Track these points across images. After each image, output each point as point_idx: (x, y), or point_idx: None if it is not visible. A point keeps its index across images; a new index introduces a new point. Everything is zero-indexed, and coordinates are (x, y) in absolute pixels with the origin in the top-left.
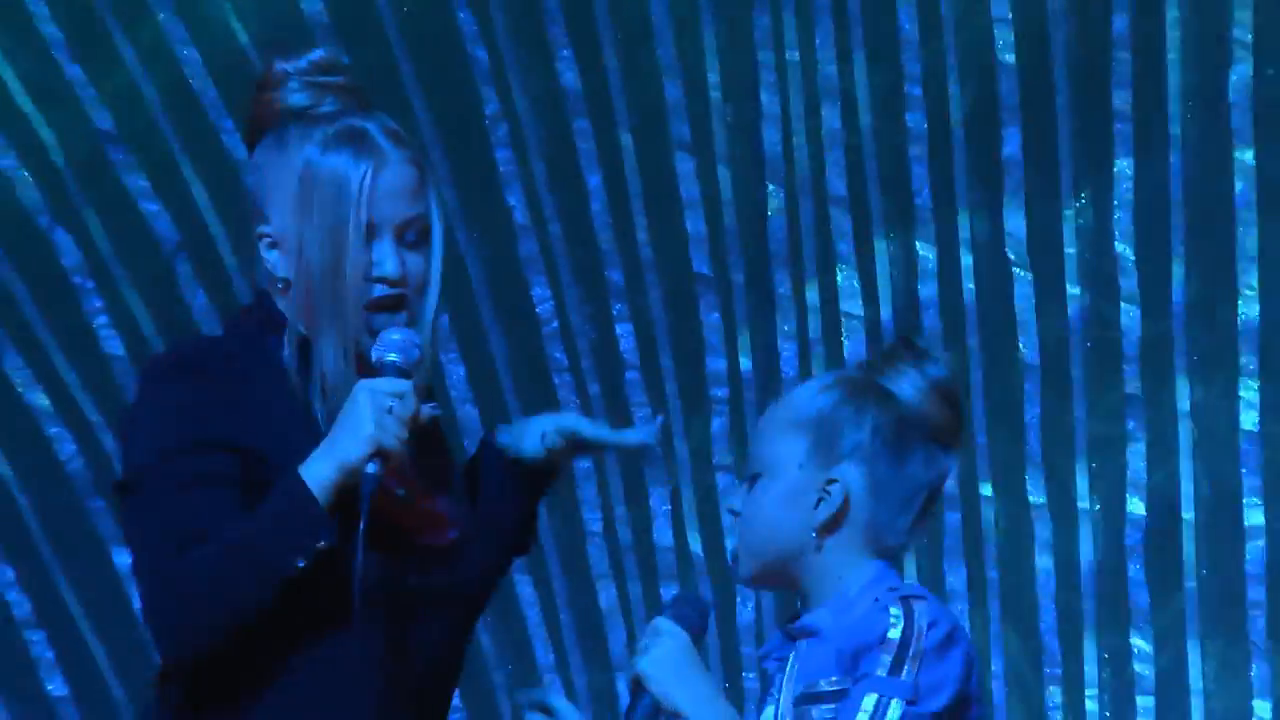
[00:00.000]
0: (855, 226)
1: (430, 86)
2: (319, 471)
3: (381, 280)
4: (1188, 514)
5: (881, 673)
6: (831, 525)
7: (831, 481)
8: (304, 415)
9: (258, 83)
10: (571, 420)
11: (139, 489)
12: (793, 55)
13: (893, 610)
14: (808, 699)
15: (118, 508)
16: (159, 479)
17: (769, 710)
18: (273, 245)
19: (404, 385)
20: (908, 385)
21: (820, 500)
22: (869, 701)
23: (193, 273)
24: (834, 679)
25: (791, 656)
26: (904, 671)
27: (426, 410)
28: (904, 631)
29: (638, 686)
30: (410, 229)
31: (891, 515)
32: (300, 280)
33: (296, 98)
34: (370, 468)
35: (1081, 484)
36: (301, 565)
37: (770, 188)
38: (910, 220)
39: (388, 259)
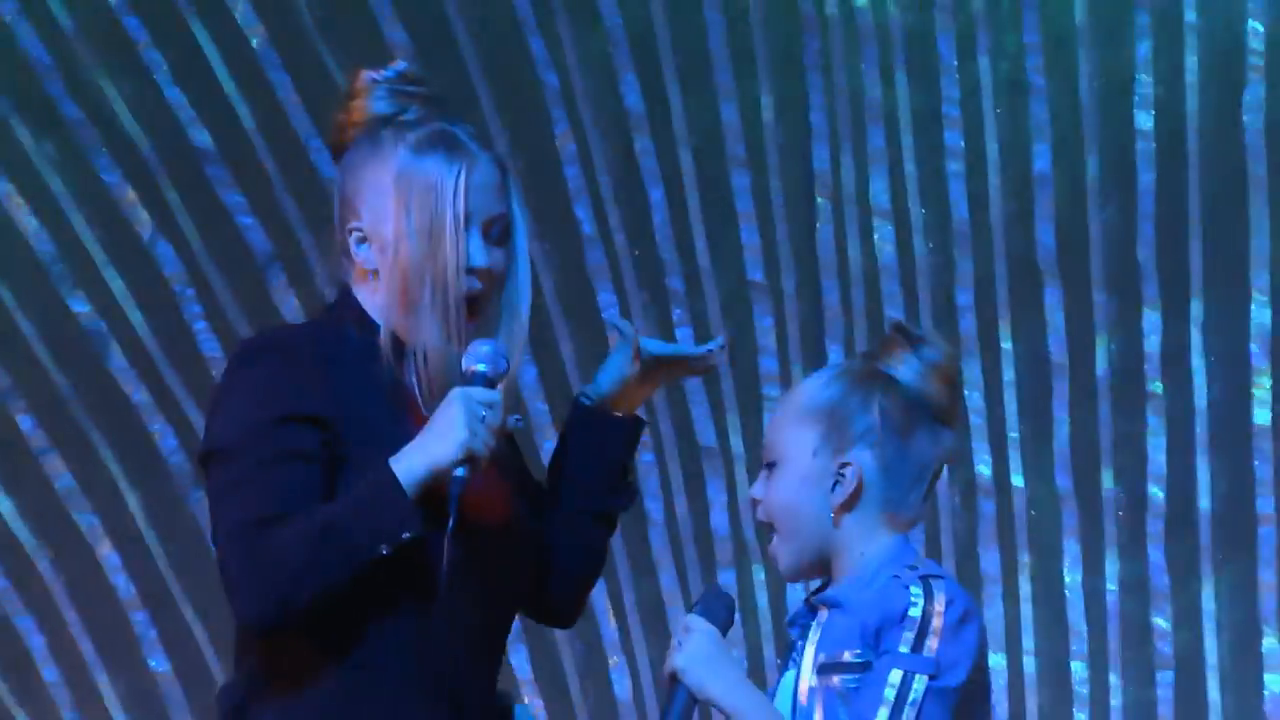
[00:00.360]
0: (897, 237)
1: (505, 108)
2: (411, 468)
3: (472, 272)
4: (1204, 503)
5: (905, 649)
6: (848, 505)
7: (845, 465)
8: (385, 398)
9: (346, 91)
10: (641, 343)
11: (226, 461)
12: (840, 79)
13: (913, 589)
14: (831, 668)
15: (203, 478)
16: (246, 453)
17: (789, 675)
18: (363, 240)
19: (496, 396)
20: (907, 370)
21: (836, 483)
22: (895, 676)
23: (284, 282)
24: (857, 651)
25: (814, 625)
26: (925, 648)
27: (511, 421)
28: (924, 610)
29: (673, 680)
30: (495, 225)
31: (903, 492)
32: (396, 272)
33: (382, 105)
34: (459, 471)
35: (1106, 475)
36: (386, 552)
37: (819, 201)
38: (948, 232)
39: (477, 252)
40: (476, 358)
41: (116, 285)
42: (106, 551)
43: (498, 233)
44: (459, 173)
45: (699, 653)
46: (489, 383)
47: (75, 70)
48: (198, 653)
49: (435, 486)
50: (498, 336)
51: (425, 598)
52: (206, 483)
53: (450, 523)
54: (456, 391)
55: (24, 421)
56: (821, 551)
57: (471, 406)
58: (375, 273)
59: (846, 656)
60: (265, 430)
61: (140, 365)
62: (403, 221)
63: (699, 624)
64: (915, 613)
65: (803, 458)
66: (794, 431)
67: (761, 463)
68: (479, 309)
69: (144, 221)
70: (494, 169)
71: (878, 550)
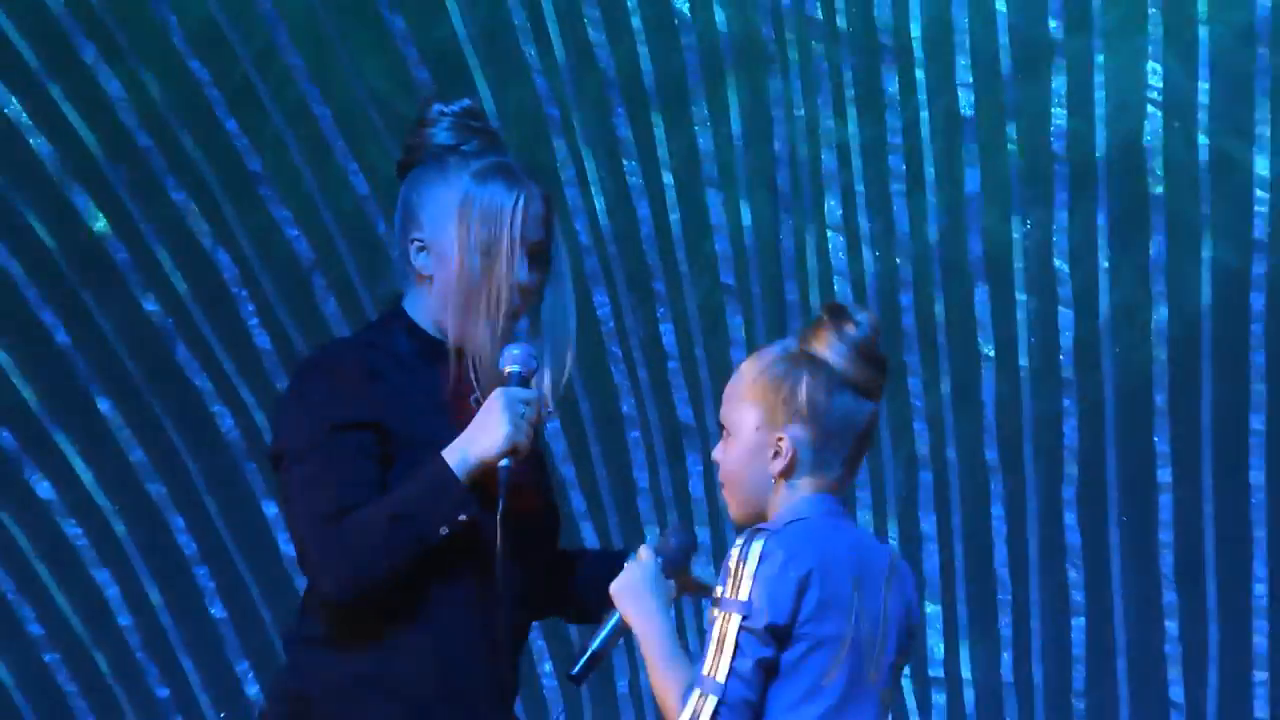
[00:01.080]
0: (848, 246)
1: (512, 137)
2: (463, 459)
3: (519, 288)
4: (1111, 475)
5: (723, 592)
6: (785, 472)
7: (780, 439)
8: (428, 400)
9: (418, 119)
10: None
11: (297, 461)
12: (799, 111)
13: (738, 542)
14: (712, 605)
15: (275, 477)
16: (314, 453)
17: None
18: (422, 249)
19: (534, 394)
20: (832, 353)
21: (775, 454)
22: (716, 615)
23: (325, 285)
24: (719, 588)
25: None
26: (739, 592)
27: (545, 415)
28: (735, 560)
29: (610, 604)
30: (539, 249)
31: (830, 456)
32: (453, 280)
33: (447, 135)
34: (504, 462)
35: (1027, 450)
36: (445, 533)
37: (781, 216)
38: (892, 242)
39: (523, 271)
40: (510, 360)
41: (181, 288)
42: (173, 515)
43: (539, 255)
44: (517, 201)
45: (630, 580)
46: (523, 381)
47: (148, 106)
48: (251, 602)
49: (483, 474)
50: (526, 341)
51: (477, 569)
52: (279, 480)
53: (500, 505)
54: (499, 391)
55: (103, 404)
56: (760, 506)
57: (514, 404)
58: (430, 279)
59: (717, 592)
60: (329, 433)
61: (201, 356)
62: (465, 238)
63: (645, 554)
64: (731, 563)
65: (746, 432)
66: (738, 409)
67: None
68: (515, 321)
69: (205, 233)
70: (541, 202)
71: (799, 500)
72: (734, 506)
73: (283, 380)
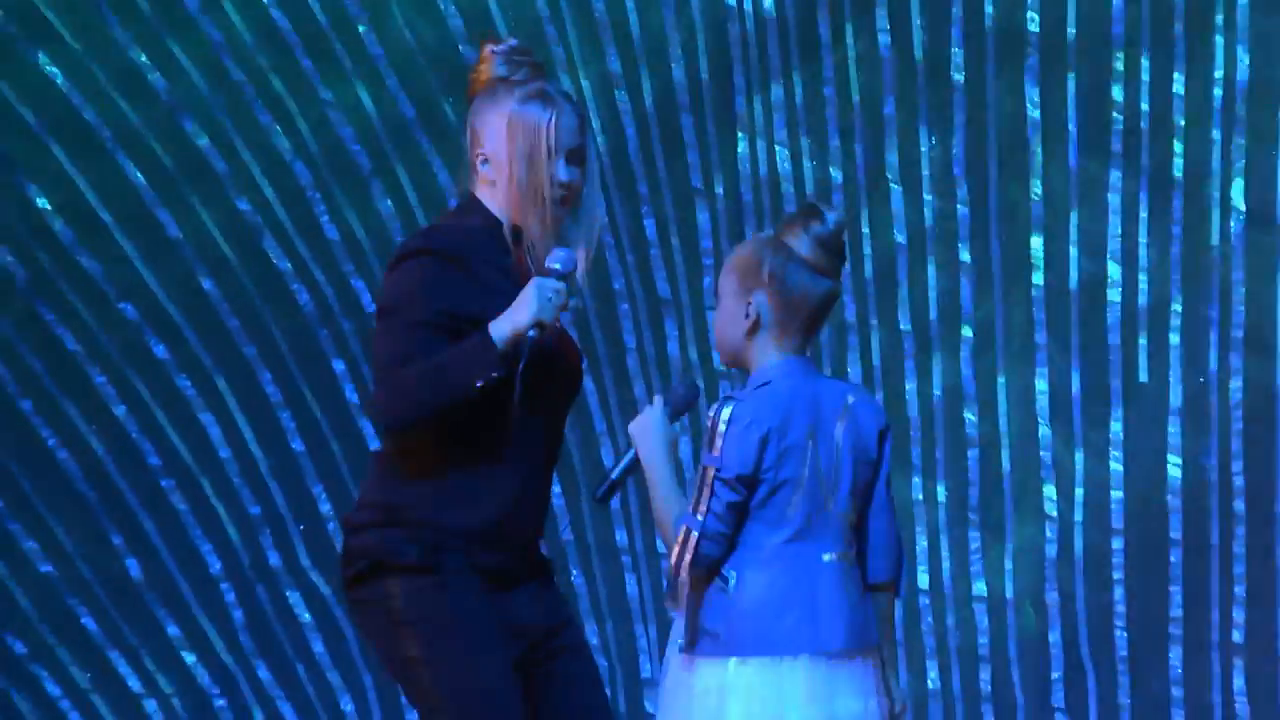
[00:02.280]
0: (791, 158)
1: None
2: (500, 329)
3: (559, 184)
4: (1004, 427)
5: (707, 446)
6: (751, 330)
7: (749, 303)
8: (499, 275)
9: (476, 58)
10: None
11: (388, 318)
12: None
13: (714, 407)
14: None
15: (377, 323)
16: (399, 315)
17: None
18: (485, 160)
19: (563, 286)
20: (798, 241)
21: (745, 315)
22: (702, 468)
23: (381, 190)
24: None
25: None
26: (715, 448)
27: (573, 301)
28: (712, 421)
29: (629, 443)
30: (575, 153)
31: (789, 321)
32: (510, 183)
33: (501, 68)
34: (531, 333)
35: (910, 385)
36: (480, 386)
37: (740, 135)
38: (826, 155)
39: (561, 170)
40: (554, 259)
41: (268, 192)
42: (261, 370)
43: (578, 158)
44: (551, 117)
45: (644, 422)
46: (561, 277)
47: (243, 50)
48: (324, 438)
49: (516, 344)
50: (572, 246)
51: (498, 413)
52: (377, 327)
53: (521, 364)
54: (535, 279)
55: (206, 283)
56: (739, 357)
57: (544, 290)
58: (493, 183)
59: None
60: (414, 305)
61: (284, 244)
62: (513, 150)
63: (657, 403)
64: (710, 424)
65: (727, 298)
66: (725, 279)
67: (705, 308)
68: (568, 210)
69: (286, 149)
70: (574, 115)
71: (774, 365)
72: (722, 356)
73: (348, 263)
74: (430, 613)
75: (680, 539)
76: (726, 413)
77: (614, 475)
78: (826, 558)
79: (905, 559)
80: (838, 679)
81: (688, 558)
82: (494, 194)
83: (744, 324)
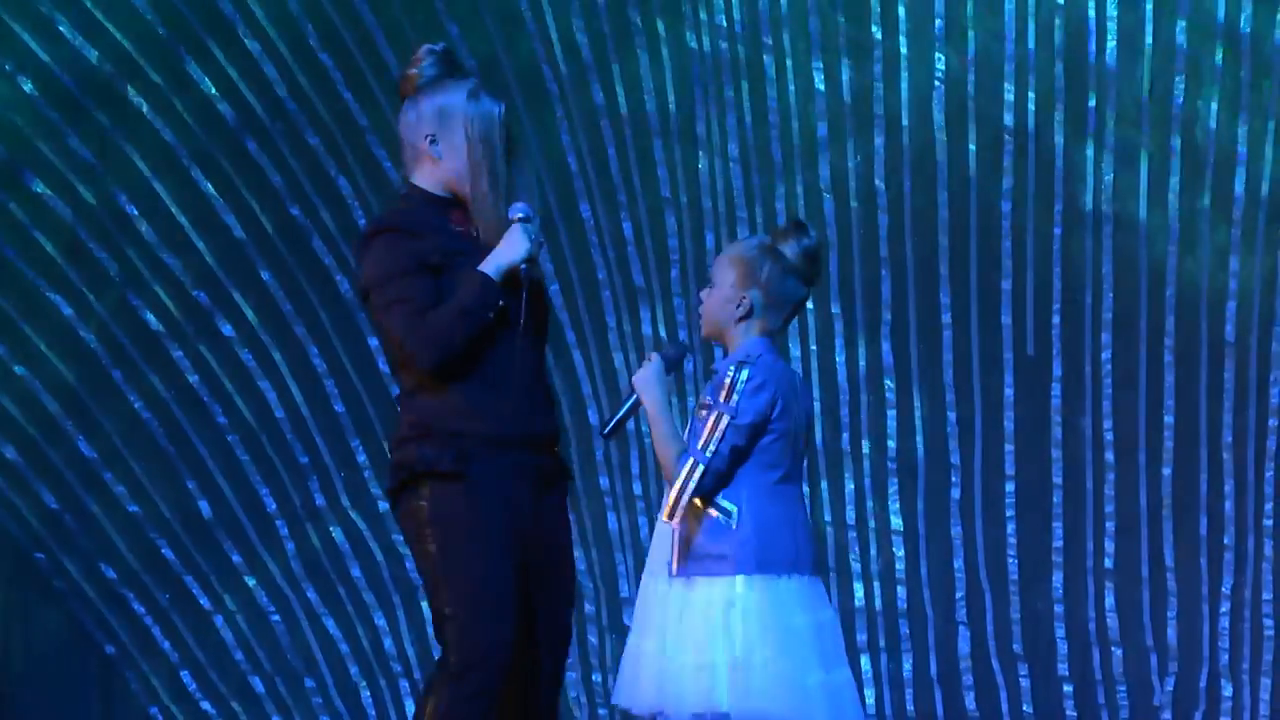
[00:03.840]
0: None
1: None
2: (497, 267)
3: (504, 161)
4: (915, 392)
5: (720, 399)
6: (742, 318)
7: (744, 297)
8: (456, 239)
9: (411, 60)
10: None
11: (383, 287)
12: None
13: (730, 368)
14: (699, 407)
15: (365, 305)
16: (393, 280)
17: None
18: (434, 141)
19: (537, 229)
20: (788, 250)
21: (738, 304)
22: (713, 415)
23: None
24: (709, 399)
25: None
26: (729, 400)
27: (540, 239)
28: (731, 379)
29: (631, 390)
30: (510, 140)
31: (773, 315)
32: (466, 162)
33: (438, 67)
34: (523, 266)
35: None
36: (491, 315)
37: (699, 154)
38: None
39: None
40: (517, 210)
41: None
42: (310, 346)
43: (507, 138)
44: (501, 110)
45: (645, 374)
46: (527, 221)
47: (288, 22)
48: (363, 405)
49: (509, 277)
50: (523, 201)
51: (509, 333)
52: (370, 305)
53: (524, 292)
54: (515, 226)
55: (265, 275)
56: (722, 333)
57: (527, 232)
58: (438, 161)
59: (705, 400)
60: (399, 265)
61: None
62: (471, 134)
63: (655, 358)
64: (726, 380)
65: (725, 287)
66: (725, 269)
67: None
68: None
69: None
70: (506, 110)
71: (751, 342)
72: (706, 330)
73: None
74: (451, 516)
75: (686, 470)
76: (745, 374)
77: (618, 415)
78: (798, 495)
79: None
80: (817, 593)
81: (691, 485)
82: (436, 170)
83: (736, 312)
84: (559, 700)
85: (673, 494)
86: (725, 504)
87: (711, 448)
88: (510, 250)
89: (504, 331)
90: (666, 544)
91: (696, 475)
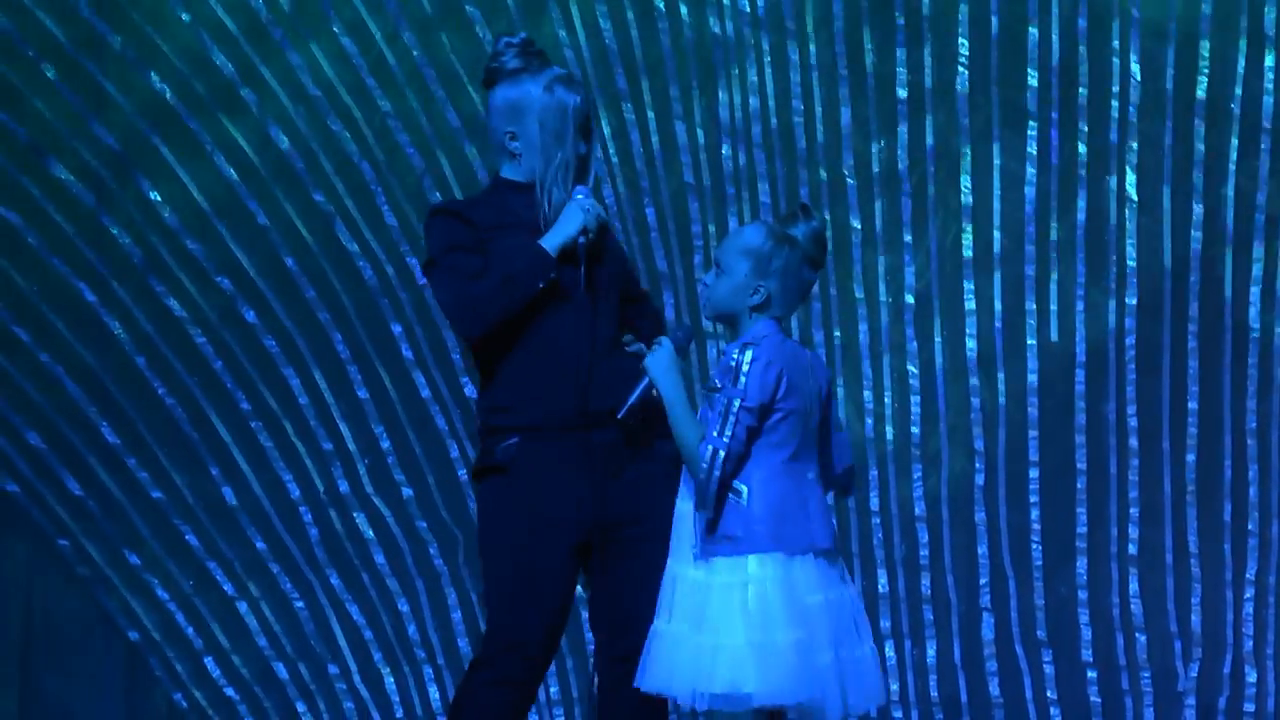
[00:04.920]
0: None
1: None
2: (553, 239)
3: (578, 156)
4: (939, 377)
5: (730, 383)
6: (757, 307)
7: (760, 287)
8: (519, 221)
9: (492, 52)
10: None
11: (440, 261)
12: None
13: (735, 352)
14: (709, 390)
15: (427, 276)
16: (448, 255)
17: None
18: (514, 138)
19: (595, 204)
20: (800, 234)
21: (755, 293)
22: (724, 400)
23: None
24: (719, 382)
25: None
26: (739, 382)
27: (602, 213)
28: (738, 362)
29: (642, 374)
30: (584, 127)
31: (786, 300)
32: (537, 154)
33: (518, 60)
34: (581, 238)
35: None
36: (540, 285)
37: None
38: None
39: (581, 145)
40: (579, 191)
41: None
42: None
43: (585, 132)
44: (577, 100)
45: (660, 359)
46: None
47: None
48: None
49: (565, 250)
50: (588, 185)
51: (563, 307)
52: (429, 276)
53: (581, 263)
54: (572, 201)
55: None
56: (729, 317)
57: (582, 204)
58: (519, 155)
59: (715, 383)
60: (450, 240)
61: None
62: (546, 128)
63: (665, 342)
64: (733, 364)
65: (739, 274)
66: (737, 256)
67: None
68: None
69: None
70: (585, 99)
71: (759, 324)
72: (712, 312)
73: (404, 245)
74: (491, 510)
75: (709, 459)
76: (749, 355)
77: (632, 399)
78: (810, 475)
79: (855, 470)
80: (832, 570)
81: (717, 473)
82: (516, 163)
83: (751, 300)
84: (630, 682)
85: (701, 483)
86: (738, 485)
87: (728, 433)
88: (564, 224)
89: (559, 305)
90: (687, 528)
91: (719, 463)
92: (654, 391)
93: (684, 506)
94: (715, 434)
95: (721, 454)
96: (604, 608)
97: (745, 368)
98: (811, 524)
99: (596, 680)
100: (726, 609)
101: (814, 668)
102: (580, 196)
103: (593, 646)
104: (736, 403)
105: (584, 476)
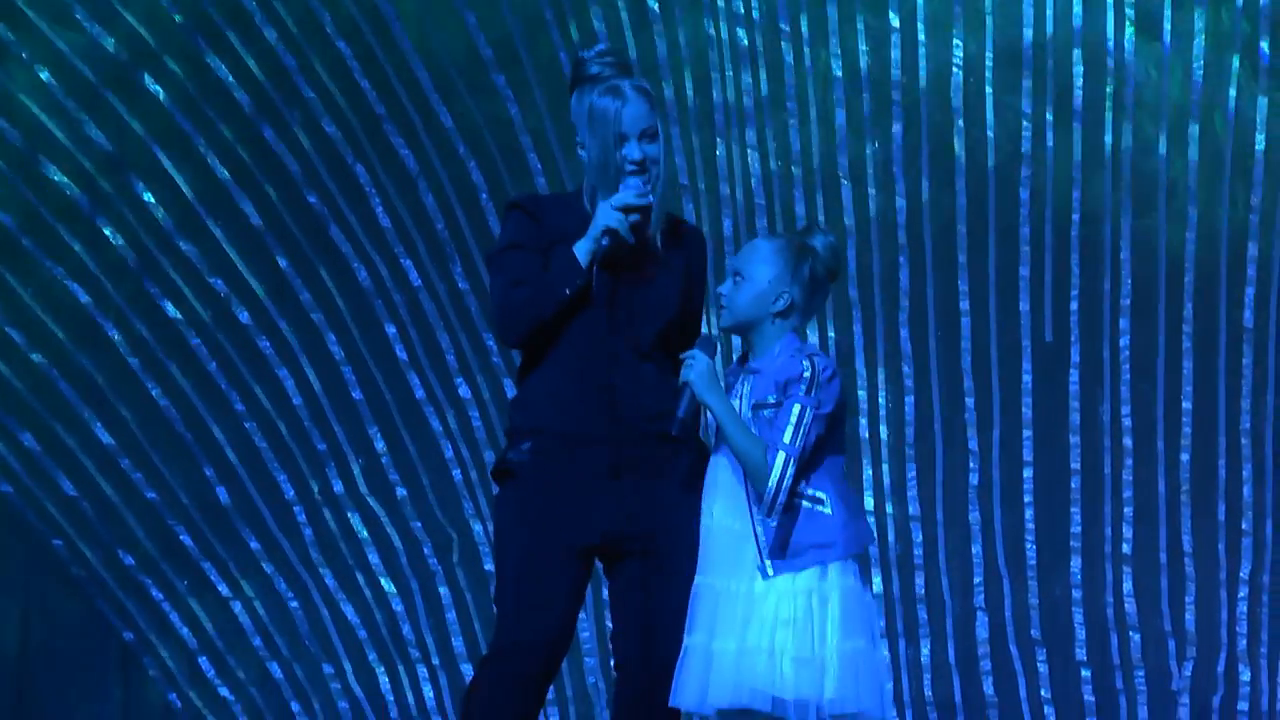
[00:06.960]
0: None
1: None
2: (582, 247)
3: (631, 161)
4: (934, 380)
5: (802, 392)
6: (782, 314)
7: (784, 294)
8: (579, 229)
9: (574, 62)
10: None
11: (497, 257)
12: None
13: (804, 361)
14: (759, 407)
15: (487, 267)
16: (502, 255)
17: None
18: (582, 147)
19: (621, 201)
20: (820, 246)
21: (778, 299)
22: (796, 408)
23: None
24: (772, 398)
25: (744, 382)
26: (812, 392)
27: (648, 203)
28: (812, 370)
29: (684, 388)
30: (646, 133)
31: (806, 310)
32: (589, 162)
33: (592, 69)
34: (604, 240)
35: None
36: (569, 292)
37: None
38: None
39: (634, 149)
40: (627, 187)
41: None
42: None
43: (649, 137)
44: (618, 109)
45: (703, 372)
46: (628, 208)
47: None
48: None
49: (595, 254)
50: (647, 182)
51: (590, 315)
52: (489, 270)
53: (594, 265)
54: (602, 203)
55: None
56: (748, 327)
57: (607, 206)
58: (585, 161)
59: (769, 400)
60: (508, 239)
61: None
62: (592, 137)
63: (700, 354)
64: (807, 373)
65: (762, 282)
66: (761, 264)
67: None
68: (644, 174)
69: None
70: (642, 103)
71: (782, 341)
72: (731, 320)
73: (398, 246)
74: (503, 512)
75: (780, 465)
76: (820, 364)
77: (680, 415)
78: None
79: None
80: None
81: (787, 481)
82: (587, 168)
83: (775, 306)
84: (654, 687)
85: (772, 491)
86: (815, 493)
87: (800, 441)
88: (591, 229)
89: (587, 313)
90: (741, 544)
91: (793, 471)
92: (697, 403)
93: (730, 522)
94: (787, 441)
95: (794, 462)
96: (621, 619)
97: (817, 378)
98: (862, 522)
99: (613, 692)
100: (824, 616)
101: (883, 667)
102: (622, 194)
103: (589, 647)
104: (810, 411)
105: (598, 484)
